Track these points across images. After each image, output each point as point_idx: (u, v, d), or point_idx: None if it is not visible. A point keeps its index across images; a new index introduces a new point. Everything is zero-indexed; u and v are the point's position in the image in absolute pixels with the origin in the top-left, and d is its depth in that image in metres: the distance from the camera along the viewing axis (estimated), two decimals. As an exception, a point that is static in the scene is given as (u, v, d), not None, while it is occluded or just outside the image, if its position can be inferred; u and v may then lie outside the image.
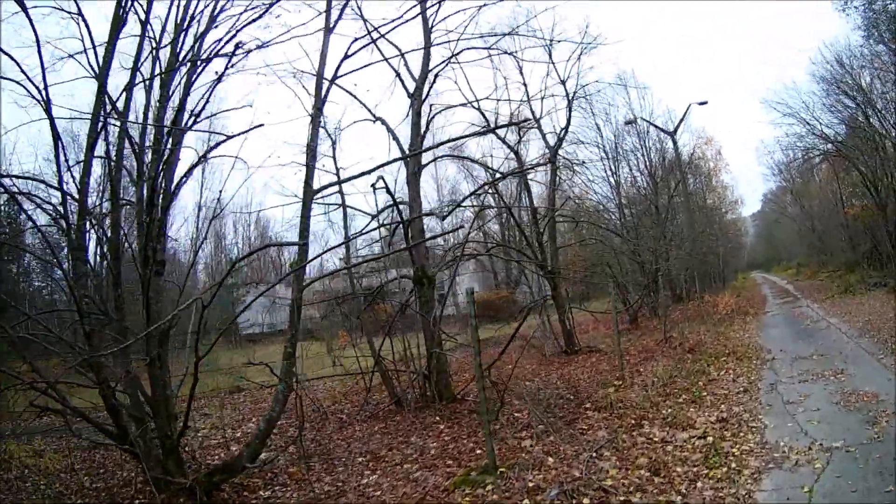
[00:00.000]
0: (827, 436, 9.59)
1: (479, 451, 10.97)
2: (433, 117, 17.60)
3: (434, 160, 17.61)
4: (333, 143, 14.80)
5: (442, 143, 19.97)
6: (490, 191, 23.34)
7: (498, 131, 21.59)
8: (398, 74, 17.43)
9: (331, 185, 12.80)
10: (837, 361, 15.28)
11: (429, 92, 17.46)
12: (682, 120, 42.20)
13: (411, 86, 17.33)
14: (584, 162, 32.42)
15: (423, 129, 16.86)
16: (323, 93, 11.46)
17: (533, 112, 24.69)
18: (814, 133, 37.31)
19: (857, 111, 34.18)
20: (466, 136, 23.24)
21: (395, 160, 15.55)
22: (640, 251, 28.86)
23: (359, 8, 15.20)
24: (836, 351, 16.75)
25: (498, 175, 20.04)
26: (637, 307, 29.50)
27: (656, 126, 41.32)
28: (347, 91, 16.20)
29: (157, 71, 10.45)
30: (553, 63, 24.31)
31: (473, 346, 10.19)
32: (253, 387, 18.25)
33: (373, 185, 16.56)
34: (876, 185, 33.40)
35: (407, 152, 16.41)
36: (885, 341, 16.54)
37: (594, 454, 10.14)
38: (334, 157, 16.45)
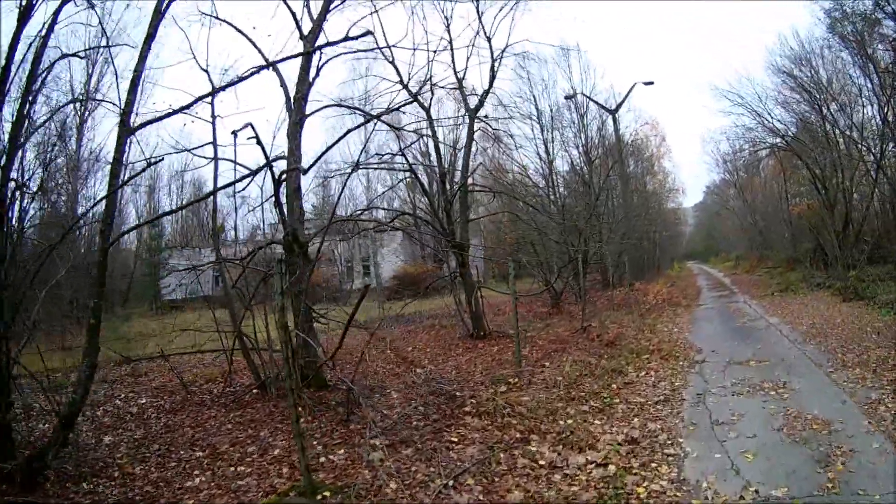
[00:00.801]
0: (765, 478, 7.47)
1: (324, 460, 9.04)
2: (325, 63, 14.48)
3: (317, 110, 14.41)
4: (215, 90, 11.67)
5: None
6: (398, 153, 19.87)
7: (411, 87, 18.34)
8: (293, 14, 14.43)
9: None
10: (779, 371, 12.78)
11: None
12: (625, 98, 40.02)
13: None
14: (511, 134, 29.33)
15: (311, 76, 13.85)
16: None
17: (457, 73, 21.57)
18: (764, 125, 35.43)
19: (812, 107, 32.47)
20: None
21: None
22: (567, 230, 25.97)
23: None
24: (777, 357, 14.22)
25: (380, 122, 16.64)
26: (561, 290, 26.61)
27: (597, 103, 39.07)
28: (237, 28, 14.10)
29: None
30: (481, 19, 21.14)
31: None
32: (146, 355, 16.00)
33: (234, 132, 13.86)
34: (824, 184, 31.44)
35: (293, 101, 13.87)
36: (834, 350, 14.09)
37: (451, 481, 7.91)
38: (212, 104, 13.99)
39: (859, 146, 30.59)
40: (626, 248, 33.45)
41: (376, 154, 20.03)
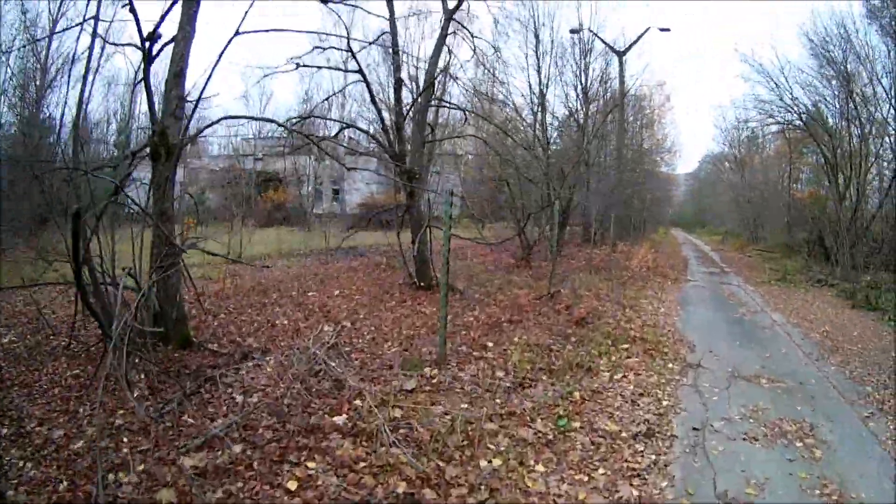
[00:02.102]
0: None
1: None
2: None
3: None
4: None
5: None
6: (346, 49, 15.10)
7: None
8: None
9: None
10: (800, 402, 8.91)
11: None
12: (636, 41, 33.73)
13: None
14: (504, 59, 24.70)
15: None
16: None
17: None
18: (781, 99, 30.96)
19: (836, 89, 28.47)
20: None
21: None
22: (551, 174, 21.62)
23: None
24: (792, 376, 10.21)
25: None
26: (534, 241, 22.36)
27: (604, 41, 33.06)
28: None
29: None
30: None
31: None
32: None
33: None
34: (836, 173, 27.82)
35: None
36: (862, 380, 10.20)
37: None
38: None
39: (882, 142, 27.59)
40: (614, 203, 29.17)
41: (317, 48, 15.24)
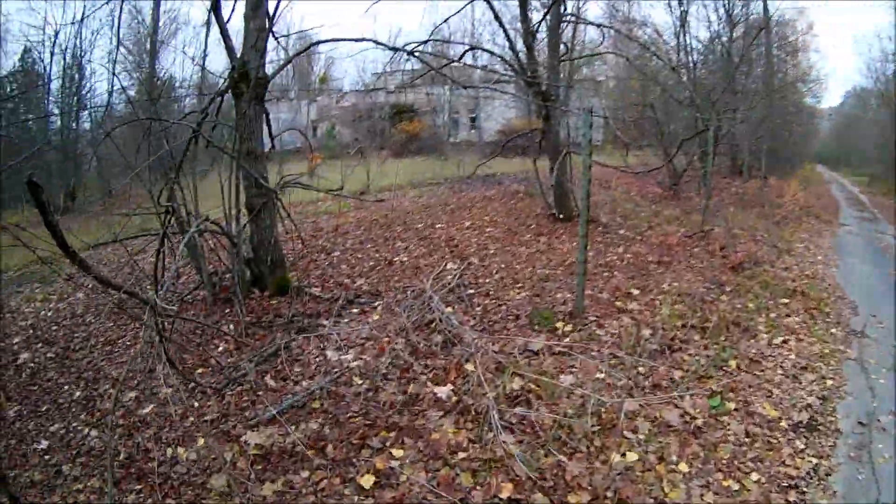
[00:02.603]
0: None
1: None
2: None
3: None
4: None
5: None
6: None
7: None
8: None
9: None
10: None
11: None
12: None
13: None
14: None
15: None
16: None
17: None
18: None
19: None
20: None
21: None
22: (698, 100, 19.45)
23: None
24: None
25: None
26: (682, 170, 20.40)
27: None
28: None
29: None
30: None
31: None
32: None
33: None
34: None
35: None
36: None
37: None
38: None
39: None
40: (763, 133, 26.48)
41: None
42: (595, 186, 16.04)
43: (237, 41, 9.04)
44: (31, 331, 9.78)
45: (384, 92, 36.52)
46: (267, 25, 8.86)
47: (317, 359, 7.06)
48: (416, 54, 10.17)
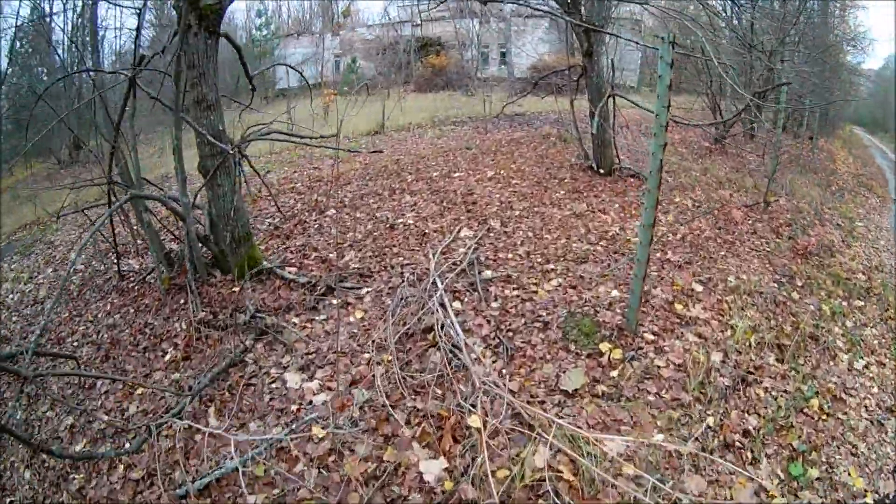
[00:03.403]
0: None
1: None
2: None
3: None
4: None
5: None
6: None
7: None
8: None
9: None
10: None
11: None
12: None
13: None
14: None
15: None
16: None
17: None
18: None
19: None
20: None
21: None
22: (751, 42, 16.62)
23: None
24: None
25: None
26: (731, 122, 17.55)
27: None
28: None
29: None
30: None
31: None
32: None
33: None
34: None
35: None
36: None
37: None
38: None
39: None
40: (814, 90, 23.56)
41: None
42: (633, 132, 13.66)
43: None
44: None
45: (410, 24, 33.87)
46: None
47: (272, 385, 5.20)
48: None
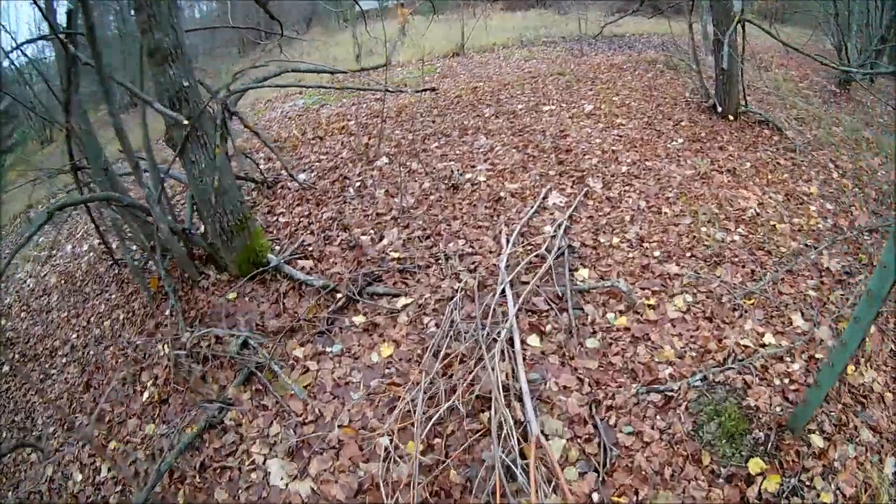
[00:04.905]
0: None
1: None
2: None
3: None
4: None
5: None
6: None
7: None
8: None
9: None
10: None
11: None
12: None
13: None
14: None
15: None
16: None
17: None
18: None
19: None
20: None
21: None
22: None
23: None
24: None
25: None
26: (860, 64, 13.97)
27: None
28: None
29: None
30: None
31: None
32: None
33: None
34: None
35: None
36: None
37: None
38: None
39: None
40: None
41: None
42: (748, 66, 10.65)
43: None
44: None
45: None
46: None
47: (252, 475, 3.48)
48: None
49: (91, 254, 7.37)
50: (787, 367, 3.97)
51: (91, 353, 5.35)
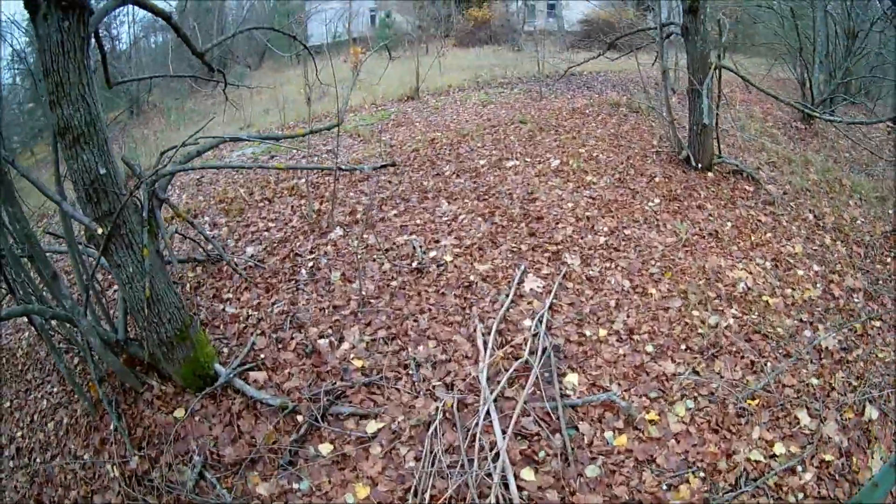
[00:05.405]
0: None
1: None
2: None
3: None
4: None
5: None
6: None
7: None
8: None
9: None
10: None
11: None
12: None
13: None
14: None
15: None
16: None
17: None
18: None
19: None
20: None
21: None
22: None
23: None
24: None
25: None
26: (823, 99, 13.76)
27: None
28: None
29: None
30: None
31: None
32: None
33: None
34: None
35: None
36: None
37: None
38: None
39: None
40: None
41: None
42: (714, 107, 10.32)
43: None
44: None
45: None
46: None
47: None
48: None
49: (31, 328, 6.56)
50: (800, 478, 3.62)
51: (38, 460, 4.58)
